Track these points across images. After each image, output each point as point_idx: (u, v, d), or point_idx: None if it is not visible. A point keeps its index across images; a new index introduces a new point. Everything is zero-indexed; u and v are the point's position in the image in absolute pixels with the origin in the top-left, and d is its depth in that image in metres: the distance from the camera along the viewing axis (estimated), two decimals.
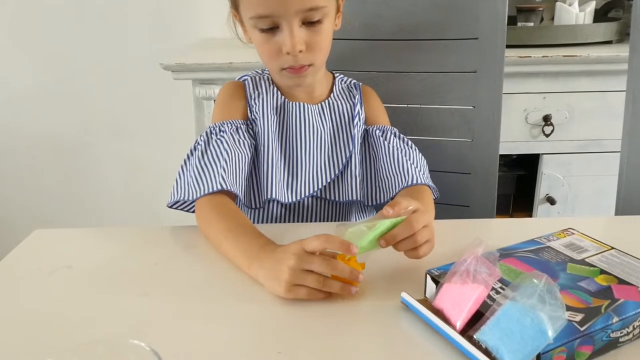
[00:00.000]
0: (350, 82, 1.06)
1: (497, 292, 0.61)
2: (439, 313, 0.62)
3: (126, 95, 2.18)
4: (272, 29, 0.87)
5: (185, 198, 0.88)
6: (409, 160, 0.98)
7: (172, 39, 2.07)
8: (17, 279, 0.77)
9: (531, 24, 1.84)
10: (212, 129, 0.94)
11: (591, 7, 1.80)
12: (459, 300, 0.60)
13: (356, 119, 1.01)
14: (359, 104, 1.02)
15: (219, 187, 0.85)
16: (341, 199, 0.99)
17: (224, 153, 0.89)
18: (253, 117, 0.97)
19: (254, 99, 0.98)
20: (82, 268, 0.79)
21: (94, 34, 2.12)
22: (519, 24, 1.85)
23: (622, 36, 1.76)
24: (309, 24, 0.87)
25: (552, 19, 1.86)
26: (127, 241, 0.88)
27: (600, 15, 1.91)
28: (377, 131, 1.02)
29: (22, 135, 2.25)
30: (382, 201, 0.98)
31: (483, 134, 1.20)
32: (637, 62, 1.11)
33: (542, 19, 1.90)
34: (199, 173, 0.88)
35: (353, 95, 1.04)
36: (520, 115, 1.69)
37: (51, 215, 2.33)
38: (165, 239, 0.89)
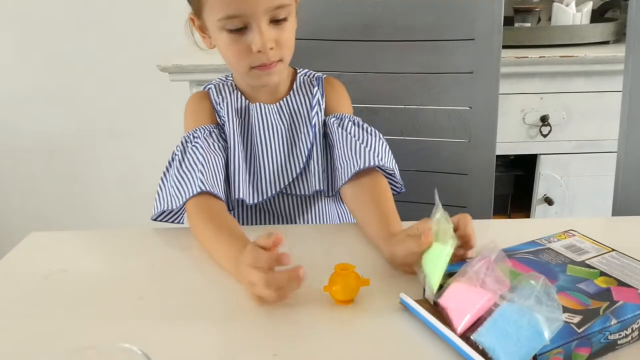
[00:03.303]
0: (313, 75, 1.05)
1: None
2: (442, 312, 0.61)
3: (123, 96, 2.18)
4: (240, 29, 0.88)
5: (168, 207, 0.89)
6: (363, 144, 0.96)
7: (169, 41, 2.05)
8: (13, 282, 0.77)
9: (528, 25, 1.84)
10: (186, 137, 0.95)
11: (588, 8, 1.80)
12: (464, 304, 0.59)
13: (314, 110, 1.00)
14: (318, 95, 1.01)
15: (199, 189, 0.86)
16: (308, 192, 0.99)
17: (200, 157, 0.91)
18: (222, 122, 0.98)
19: (219, 104, 0.99)
20: (77, 271, 0.78)
21: (91, 36, 2.11)
22: (516, 25, 1.85)
23: (619, 36, 1.76)
24: (275, 22, 0.89)
25: (549, 19, 1.86)
26: (123, 244, 0.88)
27: (597, 16, 1.91)
28: (333, 119, 1.00)
29: (19, 137, 2.24)
30: (337, 188, 0.98)
31: (480, 135, 1.20)
32: (633, 63, 1.11)
33: (539, 20, 1.90)
34: (178, 181, 0.89)
35: (310, 89, 1.03)
36: (517, 115, 1.69)
37: (48, 217, 2.32)
38: (161, 241, 0.89)
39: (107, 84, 2.16)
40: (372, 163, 0.92)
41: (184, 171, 0.90)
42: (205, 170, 0.89)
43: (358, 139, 0.96)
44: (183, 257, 0.83)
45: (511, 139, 1.71)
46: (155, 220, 0.94)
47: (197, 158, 0.91)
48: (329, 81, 1.06)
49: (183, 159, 0.92)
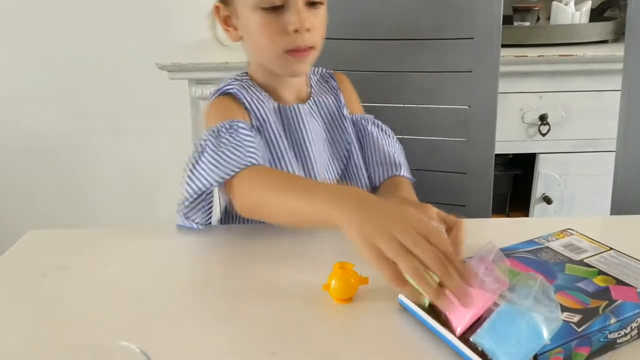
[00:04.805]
0: (324, 71, 1.04)
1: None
2: (441, 313, 0.61)
3: (123, 95, 2.18)
4: (276, 8, 0.85)
5: (206, 185, 0.81)
6: (392, 149, 0.98)
7: (169, 39, 2.06)
8: (11, 280, 0.76)
9: (527, 24, 1.84)
10: (218, 127, 0.85)
11: (587, 7, 1.80)
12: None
13: (344, 109, 1.00)
14: (338, 91, 1.01)
15: (251, 162, 0.79)
16: None
17: (248, 139, 0.83)
18: (258, 123, 0.91)
19: (252, 104, 0.91)
20: (76, 269, 0.78)
21: (90, 34, 2.11)
22: (515, 24, 1.85)
23: (618, 36, 1.76)
24: (310, 5, 0.87)
25: (548, 18, 1.86)
26: (122, 242, 0.87)
27: (596, 15, 1.91)
28: (361, 120, 1.01)
29: (18, 136, 2.24)
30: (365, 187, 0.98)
31: (479, 134, 1.20)
32: (632, 62, 1.11)
33: (538, 19, 1.90)
34: (217, 161, 0.81)
35: (331, 85, 1.02)
36: (516, 114, 1.69)
37: (47, 215, 2.31)
38: (160, 239, 0.88)
39: (107, 83, 2.16)
40: (404, 173, 0.97)
41: (222, 151, 0.81)
42: (256, 150, 0.81)
43: (387, 144, 0.99)
44: (182, 256, 0.83)
45: (510, 138, 1.71)
46: (183, 213, 0.85)
47: (243, 139, 0.83)
48: (339, 76, 1.04)
49: (218, 145, 0.83)
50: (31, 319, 0.67)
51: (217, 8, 0.93)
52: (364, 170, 0.97)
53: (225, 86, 0.94)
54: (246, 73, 0.97)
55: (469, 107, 1.19)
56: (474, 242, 0.69)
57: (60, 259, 0.80)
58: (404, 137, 1.22)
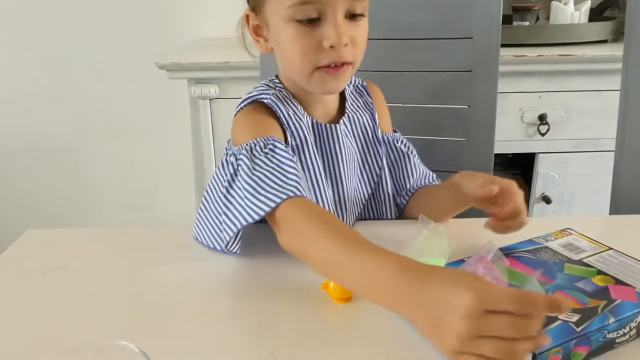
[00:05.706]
0: (356, 82, 0.96)
1: None
2: None
3: (122, 95, 2.18)
4: (312, 21, 0.76)
5: (247, 219, 0.73)
6: (423, 168, 0.97)
7: (168, 39, 2.06)
8: (10, 280, 0.76)
9: (527, 23, 1.84)
10: (251, 145, 0.78)
11: (586, 6, 1.80)
12: None
13: (379, 132, 0.93)
14: (374, 110, 0.94)
15: (295, 193, 0.71)
16: (377, 217, 0.93)
17: (286, 162, 0.75)
18: (295, 143, 0.83)
19: (290, 121, 0.83)
20: (75, 268, 0.78)
21: (90, 34, 2.11)
22: (515, 23, 1.85)
23: (618, 35, 1.76)
24: (350, 17, 0.78)
25: (548, 18, 1.86)
26: (121, 241, 0.88)
27: (596, 15, 1.91)
28: (392, 140, 0.96)
29: (18, 136, 2.24)
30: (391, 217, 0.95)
31: (478, 133, 1.20)
32: (631, 61, 1.11)
33: (537, 18, 1.90)
34: (255, 189, 0.73)
35: (365, 101, 0.94)
36: (515, 114, 1.69)
37: (47, 215, 2.32)
38: (158, 239, 0.88)
39: (106, 82, 2.16)
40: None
41: (257, 176, 0.74)
42: (299, 178, 0.74)
43: (418, 163, 0.97)
44: (181, 255, 0.83)
45: (509, 138, 1.71)
46: (230, 250, 0.78)
47: (281, 161, 0.75)
48: (373, 89, 0.97)
49: (253, 167, 0.75)
50: (30, 318, 0.67)
51: (247, 17, 0.84)
52: (392, 198, 0.93)
53: (257, 94, 0.85)
54: (276, 76, 0.89)
55: (469, 106, 1.19)
56: (474, 242, 0.70)
57: (59, 258, 0.80)
58: (404, 137, 1.22)
